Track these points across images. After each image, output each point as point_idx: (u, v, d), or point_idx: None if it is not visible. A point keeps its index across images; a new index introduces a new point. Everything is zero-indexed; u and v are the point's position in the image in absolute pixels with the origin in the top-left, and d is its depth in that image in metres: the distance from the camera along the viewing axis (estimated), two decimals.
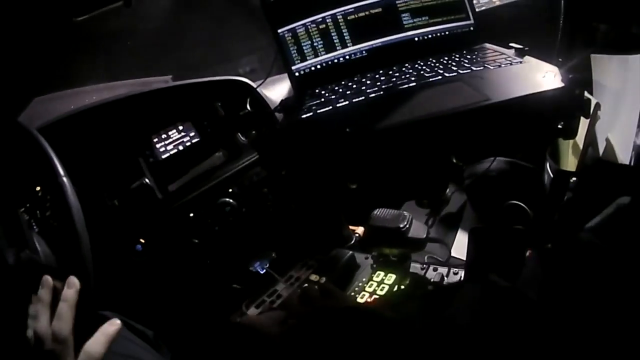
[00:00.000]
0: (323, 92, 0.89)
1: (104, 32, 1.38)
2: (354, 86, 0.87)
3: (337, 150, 0.72)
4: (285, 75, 1.00)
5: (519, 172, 1.00)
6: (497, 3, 1.33)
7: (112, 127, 1.04)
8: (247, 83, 1.14)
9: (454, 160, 0.80)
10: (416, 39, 0.97)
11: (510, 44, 0.92)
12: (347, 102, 0.81)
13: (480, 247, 0.78)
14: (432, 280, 0.89)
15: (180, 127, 1.09)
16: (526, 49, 0.89)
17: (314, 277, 0.95)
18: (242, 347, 0.69)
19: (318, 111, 0.81)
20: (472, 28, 0.99)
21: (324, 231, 1.03)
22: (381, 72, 0.91)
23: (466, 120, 0.72)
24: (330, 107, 0.81)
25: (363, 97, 0.81)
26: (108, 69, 1.53)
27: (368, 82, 0.87)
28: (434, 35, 0.98)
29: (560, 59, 1.15)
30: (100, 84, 1.51)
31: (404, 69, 0.90)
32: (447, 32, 0.98)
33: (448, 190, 1.13)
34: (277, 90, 1.18)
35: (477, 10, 0.99)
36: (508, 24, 1.26)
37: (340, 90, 0.87)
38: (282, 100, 0.88)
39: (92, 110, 1.03)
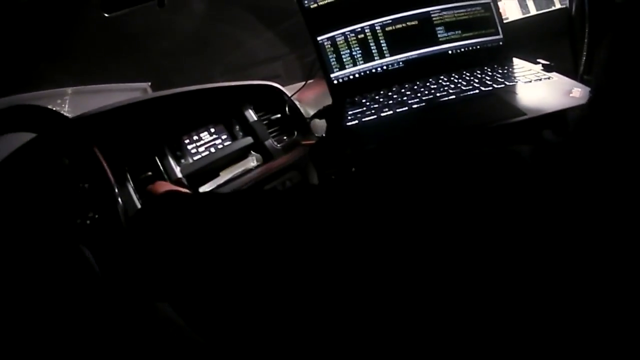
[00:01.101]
0: (364, 100, 0.90)
1: (132, 31, 1.39)
2: (395, 96, 0.89)
3: (386, 158, 0.74)
4: (310, 82, 1.01)
5: None
6: (520, 17, 1.36)
7: (143, 127, 1.05)
8: (280, 89, 1.15)
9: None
10: (450, 52, 0.99)
11: (538, 60, 0.95)
12: (391, 112, 0.82)
13: None
14: None
15: (212, 130, 1.10)
16: (552, 64, 0.91)
17: None
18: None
19: (363, 119, 0.82)
20: (501, 43, 1.01)
21: None
22: (418, 83, 0.92)
23: (505, 133, 0.74)
24: (375, 117, 0.82)
25: (406, 108, 0.83)
26: (132, 69, 1.55)
27: (408, 92, 0.89)
28: (466, 48, 1.00)
29: (585, 76, 1.18)
30: (73, 87, 1.53)
31: (440, 81, 0.92)
32: (478, 46, 1.00)
33: None
34: (304, 97, 1.20)
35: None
36: (530, 38, 1.28)
37: (381, 99, 0.89)
38: (323, 107, 0.89)
39: (123, 108, 1.05)
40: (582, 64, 1.19)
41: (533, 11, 1.44)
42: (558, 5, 1.34)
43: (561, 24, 1.30)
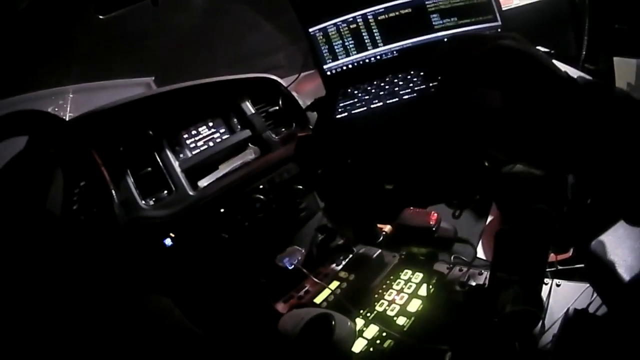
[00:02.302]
0: (356, 92, 0.90)
1: (132, 28, 1.40)
2: (387, 87, 0.88)
3: (375, 151, 0.74)
4: (310, 73, 1.00)
5: (547, 174, 1.01)
6: (520, 4, 1.33)
7: (141, 123, 1.07)
8: (277, 81, 1.15)
9: (486, 164, 0.81)
10: (446, 39, 0.98)
11: (538, 47, 0.93)
12: (381, 104, 0.82)
13: (506, 250, 0.79)
14: (459, 280, 0.90)
15: (211, 124, 1.11)
16: (552, 52, 0.89)
17: (342, 274, 0.96)
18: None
19: (353, 112, 0.82)
20: (499, 30, 0.99)
21: (353, 229, 1.04)
22: (412, 72, 0.91)
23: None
24: (365, 108, 0.82)
25: (397, 99, 0.82)
26: (134, 65, 1.56)
27: (400, 83, 0.88)
28: None
29: (586, 65, 1.16)
30: (76, 85, 1.54)
31: None
32: None
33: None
34: (303, 88, 1.20)
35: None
36: (531, 25, 1.26)
37: (373, 90, 0.88)
38: (315, 99, 0.89)
39: (121, 107, 1.06)
40: (584, 51, 1.17)
41: None
42: None
43: (564, 11, 1.27)
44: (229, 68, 1.51)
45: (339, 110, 0.84)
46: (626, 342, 0.59)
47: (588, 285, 0.77)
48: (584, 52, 1.17)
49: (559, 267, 0.86)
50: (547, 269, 0.80)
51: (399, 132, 0.75)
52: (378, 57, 0.97)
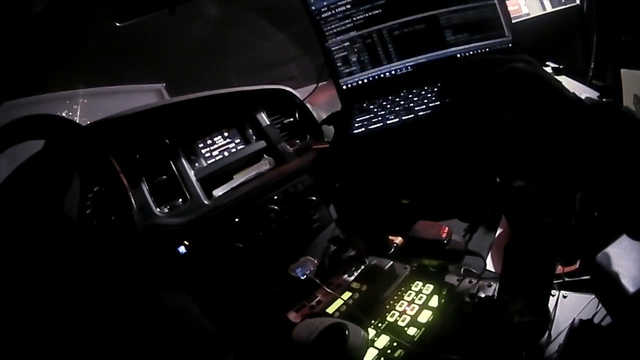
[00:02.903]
0: (371, 107, 0.92)
1: (146, 36, 1.42)
2: (402, 102, 0.90)
3: (391, 167, 0.75)
4: (323, 84, 1.02)
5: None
6: (530, 15, 1.35)
7: (157, 132, 1.09)
8: (292, 93, 1.17)
9: (497, 180, 0.83)
10: (458, 54, 0.99)
11: (547, 62, 0.94)
12: (397, 120, 0.84)
13: (515, 262, 0.81)
14: (469, 291, 0.91)
15: (226, 134, 1.13)
16: (561, 67, 0.91)
17: (355, 285, 0.98)
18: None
19: (369, 127, 0.84)
20: (510, 45, 1.00)
21: (365, 240, 1.05)
22: (426, 88, 0.93)
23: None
24: (382, 124, 0.84)
25: (412, 115, 0.84)
26: (145, 72, 1.58)
27: (415, 98, 0.90)
28: (475, 51, 1.00)
29: (593, 81, 1.17)
30: (87, 89, 1.56)
31: None
32: (487, 49, 1.00)
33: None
34: (317, 100, 1.22)
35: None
36: (539, 37, 1.27)
37: (388, 105, 0.90)
38: (331, 114, 0.91)
39: (138, 114, 1.08)
40: (592, 64, 1.18)
41: (549, 8, 1.42)
42: (572, 2, 1.32)
43: (572, 23, 1.29)
44: (240, 77, 1.53)
45: (356, 125, 0.86)
46: (630, 352, 0.60)
47: (593, 296, 0.77)
48: (592, 66, 1.18)
49: (566, 279, 0.87)
50: (554, 281, 0.81)
51: (414, 148, 0.77)
52: (393, 72, 0.99)
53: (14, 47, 1.05)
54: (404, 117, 0.84)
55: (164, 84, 1.73)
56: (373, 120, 0.86)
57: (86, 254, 0.85)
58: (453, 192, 0.89)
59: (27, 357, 0.76)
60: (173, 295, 0.97)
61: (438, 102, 0.86)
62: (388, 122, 0.84)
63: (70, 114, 1.54)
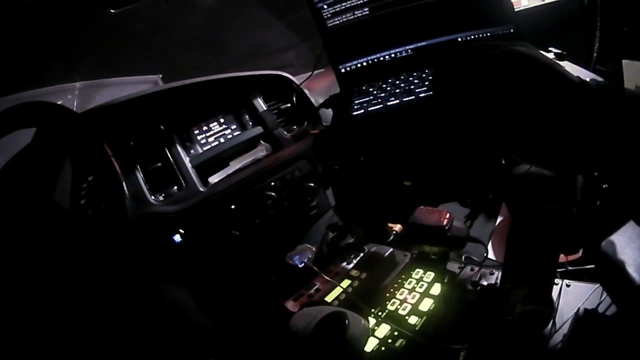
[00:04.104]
0: (371, 89, 0.90)
1: (142, 24, 1.40)
2: (402, 85, 0.88)
3: (392, 148, 0.74)
4: (321, 71, 1.00)
5: (558, 175, 1.01)
6: (529, 5, 1.33)
7: (152, 118, 1.07)
8: (289, 78, 1.15)
9: (503, 162, 0.81)
10: (459, 39, 0.98)
11: (550, 49, 0.93)
12: (397, 101, 0.82)
13: (518, 249, 0.80)
14: (471, 279, 0.90)
15: (222, 120, 1.11)
16: (564, 53, 0.89)
17: (354, 272, 0.96)
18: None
19: (369, 109, 0.82)
20: (512, 30, 0.99)
21: (364, 227, 1.04)
22: (427, 71, 0.91)
23: None
24: (381, 106, 0.82)
25: (413, 97, 0.82)
26: (142, 62, 1.56)
27: (416, 81, 0.88)
28: (476, 37, 0.98)
29: (597, 66, 1.16)
30: (83, 82, 1.55)
31: None
32: (489, 34, 0.98)
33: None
34: (314, 86, 1.20)
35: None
36: (542, 27, 1.26)
37: (389, 88, 0.88)
38: (330, 96, 0.89)
39: (133, 101, 1.06)
40: (594, 53, 1.17)
41: None
42: None
43: (575, 12, 1.28)
44: (238, 67, 1.51)
45: (355, 107, 0.84)
46: (636, 341, 0.60)
47: (597, 285, 0.77)
48: (595, 55, 1.17)
49: (569, 268, 0.87)
50: (558, 270, 0.80)
51: (415, 129, 0.75)
52: (392, 55, 0.97)
53: (8, 39, 1.03)
54: (404, 99, 0.82)
55: (161, 76, 1.72)
56: (373, 102, 0.84)
57: (79, 243, 0.83)
58: (454, 174, 0.87)
59: (18, 345, 0.74)
60: (168, 288, 0.95)
61: (440, 84, 0.84)
62: (388, 103, 0.82)
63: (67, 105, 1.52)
